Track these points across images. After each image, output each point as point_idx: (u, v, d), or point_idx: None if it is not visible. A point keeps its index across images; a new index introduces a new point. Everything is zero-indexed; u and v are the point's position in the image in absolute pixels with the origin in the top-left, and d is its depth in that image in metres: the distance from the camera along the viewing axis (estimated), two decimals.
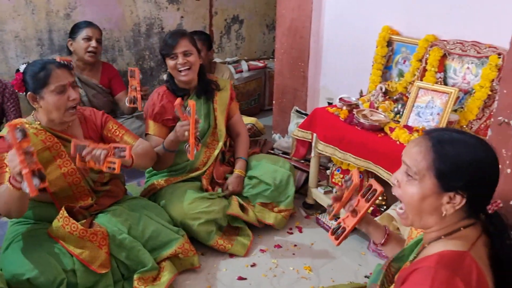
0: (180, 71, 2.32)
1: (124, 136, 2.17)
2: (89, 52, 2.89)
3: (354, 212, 1.44)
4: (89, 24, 2.94)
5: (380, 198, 2.37)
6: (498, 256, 1.13)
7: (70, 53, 2.97)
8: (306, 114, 3.05)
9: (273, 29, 4.68)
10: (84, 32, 2.88)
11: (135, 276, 1.99)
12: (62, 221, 1.91)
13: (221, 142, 2.46)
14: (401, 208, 1.21)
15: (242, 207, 2.38)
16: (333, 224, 2.49)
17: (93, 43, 2.89)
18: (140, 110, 2.63)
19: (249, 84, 4.09)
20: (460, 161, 1.07)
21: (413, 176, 1.13)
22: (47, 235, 1.96)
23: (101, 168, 1.81)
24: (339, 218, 1.52)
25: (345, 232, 1.45)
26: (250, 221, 2.36)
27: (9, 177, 1.63)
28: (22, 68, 1.95)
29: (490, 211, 1.11)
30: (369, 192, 1.41)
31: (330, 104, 2.80)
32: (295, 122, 3.07)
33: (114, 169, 1.81)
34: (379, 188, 1.39)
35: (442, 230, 1.16)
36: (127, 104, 2.61)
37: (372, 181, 1.41)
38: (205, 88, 2.43)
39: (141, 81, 2.54)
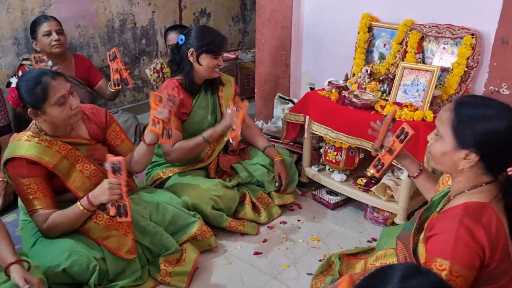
0: (214, 70, 2.43)
1: (124, 141, 2.23)
2: (53, 45, 2.88)
3: (390, 151, 1.72)
4: (44, 18, 2.94)
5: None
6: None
7: (37, 53, 2.94)
8: (289, 100, 3.23)
9: (238, 22, 4.81)
10: (42, 28, 2.88)
11: (161, 259, 2.08)
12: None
13: (226, 137, 2.57)
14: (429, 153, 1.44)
15: (254, 205, 2.52)
16: (329, 197, 2.70)
17: (54, 36, 2.88)
18: (130, 87, 2.70)
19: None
20: (472, 120, 1.27)
21: (439, 134, 1.34)
22: None
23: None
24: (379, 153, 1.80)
25: (384, 166, 1.76)
26: (261, 222, 2.50)
27: (83, 201, 1.87)
28: (13, 81, 1.88)
29: (510, 173, 1.31)
30: (402, 133, 1.67)
31: (312, 89, 2.98)
32: (279, 108, 3.23)
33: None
34: (410, 131, 1.65)
35: (466, 184, 1.36)
36: (112, 89, 2.66)
37: (405, 125, 1.67)
38: (211, 83, 2.53)
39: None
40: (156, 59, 3.49)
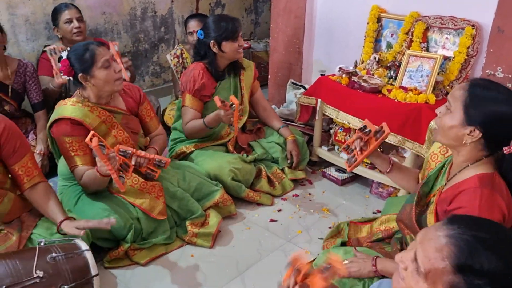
0: (238, 51, 2.64)
1: (152, 120, 2.46)
2: (75, 33, 3.04)
3: (365, 146, 1.83)
4: (65, 6, 3.08)
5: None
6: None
7: (59, 39, 3.14)
8: (301, 86, 3.46)
9: (250, 13, 5.04)
10: (63, 16, 3.03)
11: (187, 222, 2.32)
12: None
13: (245, 117, 2.79)
14: (436, 125, 1.59)
15: (269, 179, 2.75)
16: (337, 174, 2.93)
17: (75, 23, 3.03)
18: (127, 81, 2.82)
19: None
20: (484, 101, 1.43)
21: (450, 109, 1.49)
22: (107, 192, 2.24)
23: (141, 170, 2.17)
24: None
25: (356, 162, 1.85)
26: (276, 195, 2.73)
27: (97, 167, 1.97)
28: (64, 54, 2.13)
29: (505, 151, 1.43)
30: (379, 132, 1.78)
31: (322, 75, 3.21)
32: (292, 93, 3.46)
33: (154, 176, 2.19)
34: (387, 130, 1.76)
35: (468, 159, 1.52)
36: None
37: (384, 124, 1.78)
38: (234, 67, 2.75)
39: (124, 55, 2.74)
40: (176, 45, 3.70)
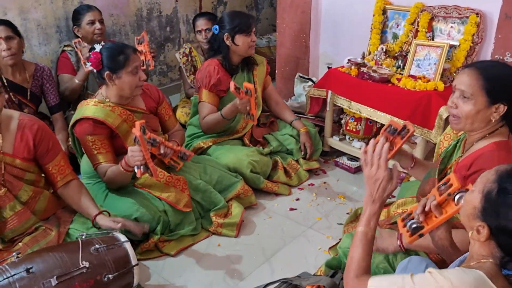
0: (250, 46, 2.73)
1: (170, 118, 2.54)
2: (96, 34, 3.15)
3: (391, 146, 1.79)
4: (88, 8, 3.18)
5: None
6: None
7: (77, 37, 3.23)
8: (309, 79, 3.55)
9: (251, 9, 5.12)
10: (87, 17, 3.13)
11: (212, 213, 2.41)
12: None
13: (259, 111, 2.88)
14: (453, 116, 1.67)
15: (285, 170, 2.84)
16: (350, 162, 3.02)
17: (97, 25, 3.14)
18: (151, 69, 2.94)
19: None
20: (504, 79, 1.54)
21: (469, 97, 1.56)
22: (133, 187, 2.32)
23: (165, 161, 2.16)
24: None
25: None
26: (293, 185, 2.82)
27: (122, 163, 2.05)
28: (97, 47, 2.21)
29: None
30: (403, 130, 1.88)
31: (329, 67, 3.30)
32: (300, 86, 3.55)
33: (176, 167, 2.17)
34: (411, 128, 1.81)
35: (485, 132, 1.63)
36: None
37: (407, 123, 1.87)
38: (247, 63, 2.84)
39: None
40: (184, 44, 3.78)
